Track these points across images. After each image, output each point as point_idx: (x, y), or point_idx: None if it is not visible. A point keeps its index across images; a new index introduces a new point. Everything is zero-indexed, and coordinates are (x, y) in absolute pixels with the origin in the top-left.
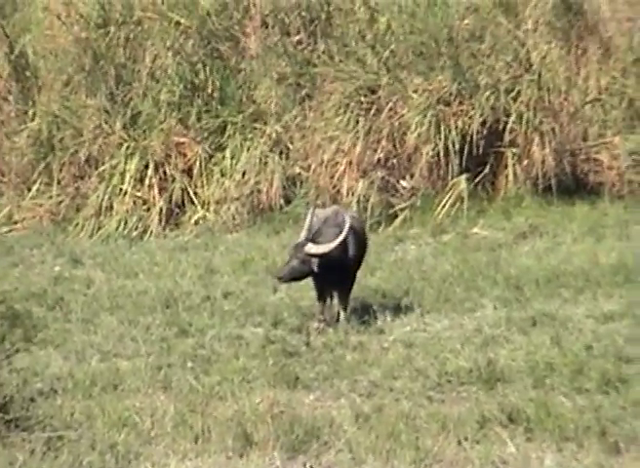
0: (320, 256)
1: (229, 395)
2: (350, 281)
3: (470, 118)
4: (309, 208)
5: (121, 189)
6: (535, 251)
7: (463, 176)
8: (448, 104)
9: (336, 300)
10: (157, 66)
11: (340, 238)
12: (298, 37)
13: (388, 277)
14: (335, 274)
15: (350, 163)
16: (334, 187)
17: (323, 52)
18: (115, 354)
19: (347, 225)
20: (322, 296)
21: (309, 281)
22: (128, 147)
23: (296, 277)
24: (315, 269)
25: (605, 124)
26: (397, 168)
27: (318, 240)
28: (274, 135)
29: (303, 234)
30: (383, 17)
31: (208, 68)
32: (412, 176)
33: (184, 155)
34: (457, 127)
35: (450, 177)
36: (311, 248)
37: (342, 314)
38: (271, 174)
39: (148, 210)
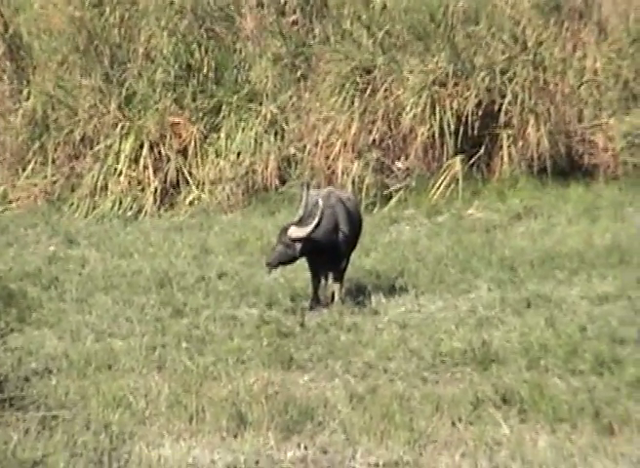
0: (302, 240)
1: (224, 375)
2: (344, 262)
3: (466, 99)
4: (304, 189)
5: (116, 169)
6: (529, 232)
7: (458, 158)
8: (443, 85)
9: (330, 281)
10: (152, 46)
11: (315, 222)
12: (293, 17)
13: (383, 258)
14: (327, 255)
15: (345, 144)
16: (329, 168)
17: (319, 32)
18: (110, 334)
19: (320, 210)
20: (316, 277)
21: (303, 262)
22: (123, 127)
23: (283, 261)
24: (296, 254)
25: (600, 105)
26: (392, 149)
27: (307, 222)
28: (269, 115)
29: (297, 215)
30: None
31: (203, 48)
32: (407, 157)
33: (179, 135)
34: (452, 108)
35: (445, 159)
36: (292, 231)
37: (337, 295)
38: (266, 154)
39: (143, 190)
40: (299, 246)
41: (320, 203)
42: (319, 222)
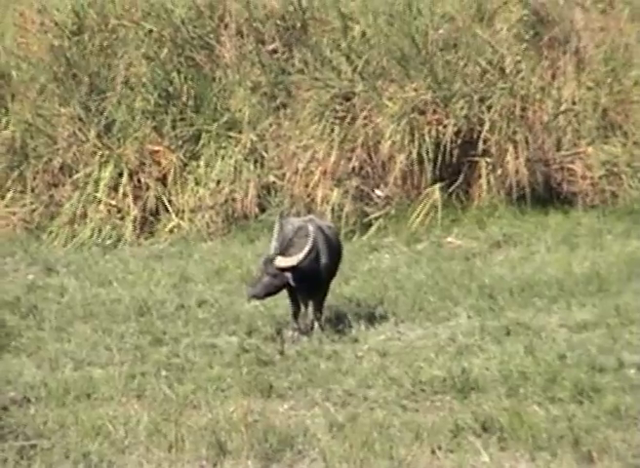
0: (291, 269)
1: (203, 404)
2: (324, 290)
3: (444, 127)
4: (277, 219)
5: (95, 197)
6: (508, 260)
7: (437, 186)
8: (422, 113)
9: (310, 309)
10: (131, 74)
11: (306, 250)
12: (272, 46)
13: (363, 286)
14: (308, 284)
15: (325, 172)
16: (308, 196)
17: (298, 60)
18: (89, 362)
19: (311, 237)
20: (296, 305)
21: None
22: (102, 155)
23: (270, 292)
24: (291, 282)
25: (578, 134)
26: (371, 176)
27: (290, 251)
28: (249, 143)
29: (273, 245)
30: (358, 25)
31: (182, 76)
32: (386, 185)
33: (159, 163)
34: (431, 135)
35: (424, 186)
36: (280, 261)
37: (317, 323)
38: (246, 182)
39: (122, 218)
40: (289, 275)
41: (310, 229)
42: (311, 250)
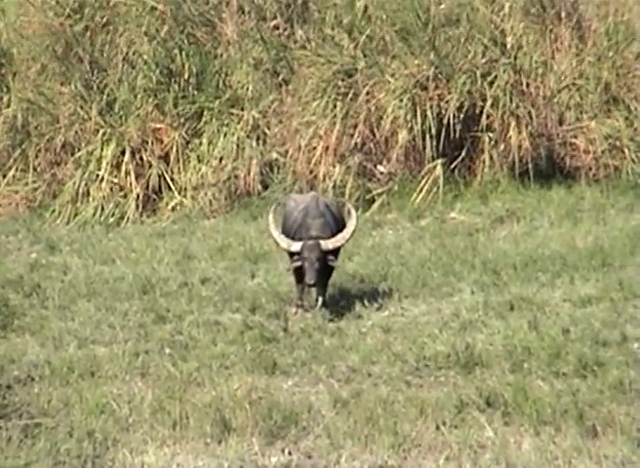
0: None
1: (207, 381)
2: (329, 267)
3: (447, 102)
4: (270, 212)
5: (97, 175)
6: (512, 235)
7: (440, 161)
8: (424, 89)
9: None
10: (133, 52)
11: (352, 228)
12: (274, 22)
13: (366, 262)
14: None
15: (327, 148)
16: (311, 172)
17: (300, 37)
18: (92, 341)
19: (355, 215)
20: (301, 283)
21: (285, 265)
22: (104, 133)
23: (320, 276)
24: (334, 263)
25: (581, 108)
26: (374, 153)
27: (310, 233)
28: (251, 120)
29: (276, 230)
30: (360, 1)
31: (184, 54)
32: (388, 161)
33: (161, 141)
34: (433, 111)
35: (426, 162)
36: (328, 243)
37: (320, 299)
38: (248, 159)
39: (125, 196)
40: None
41: (350, 207)
42: (355, 229)
